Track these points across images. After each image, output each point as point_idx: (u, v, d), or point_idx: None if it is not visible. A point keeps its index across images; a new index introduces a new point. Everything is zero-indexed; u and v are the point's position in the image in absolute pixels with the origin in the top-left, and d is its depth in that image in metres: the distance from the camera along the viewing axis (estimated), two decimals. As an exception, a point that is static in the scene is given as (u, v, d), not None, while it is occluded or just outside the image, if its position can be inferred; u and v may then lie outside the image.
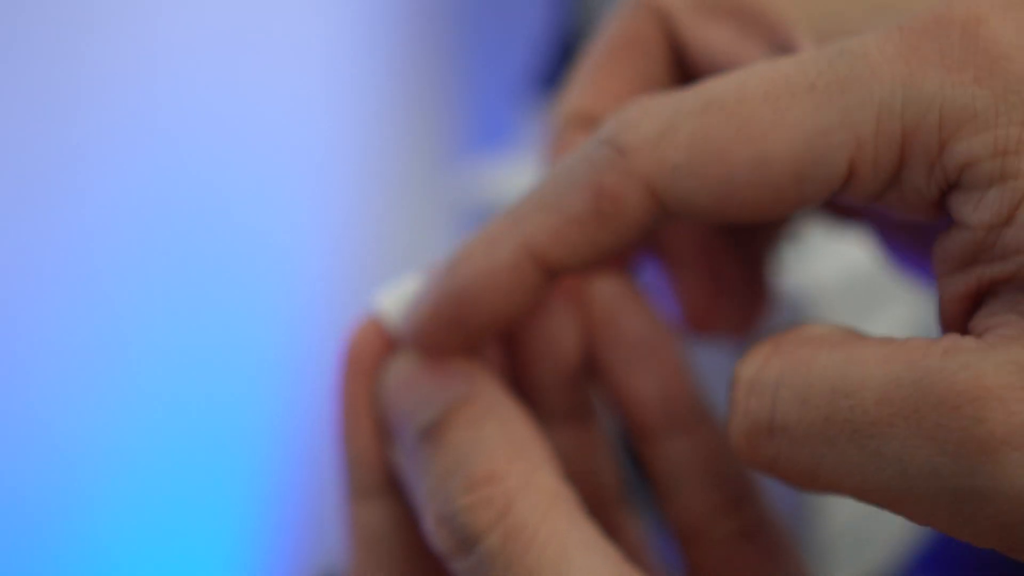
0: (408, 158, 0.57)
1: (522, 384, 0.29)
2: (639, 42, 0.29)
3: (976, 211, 0.22)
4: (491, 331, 0.26)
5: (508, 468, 0.24)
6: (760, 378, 0.23)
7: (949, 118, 0.22)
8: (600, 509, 0.30)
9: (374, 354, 0.28)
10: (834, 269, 0.42)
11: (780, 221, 0.31)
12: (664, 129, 0.23)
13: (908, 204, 0.23)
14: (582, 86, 0.30)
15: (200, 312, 0.49)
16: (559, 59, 0.48)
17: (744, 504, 0.28)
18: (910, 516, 0.22)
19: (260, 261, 0.51)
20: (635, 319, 0.28)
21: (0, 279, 0.42)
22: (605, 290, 0.28)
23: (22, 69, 0.42)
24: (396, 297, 0.28)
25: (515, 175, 0.47)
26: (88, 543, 0.46)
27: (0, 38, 0.41)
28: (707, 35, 0.29)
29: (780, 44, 0.27)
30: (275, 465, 0.52)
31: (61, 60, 0.43)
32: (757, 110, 0.23)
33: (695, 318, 0.30)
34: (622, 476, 0.30)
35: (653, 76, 0.30)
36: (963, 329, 0.23)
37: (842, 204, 0.24)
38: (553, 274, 0.25)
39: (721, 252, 0.30)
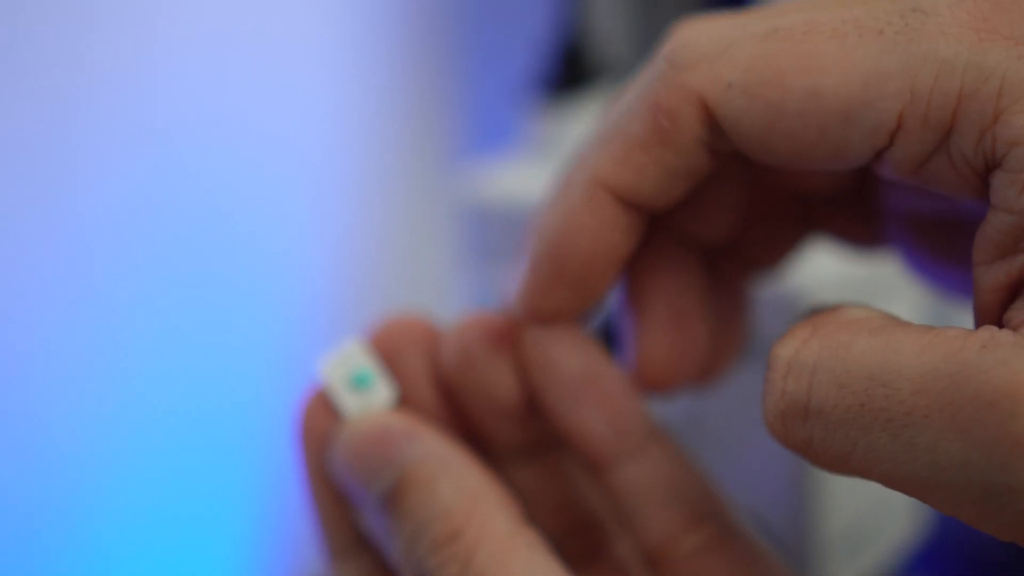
0: (409, 159, 0.57)
1: (472, 431, 0.30)
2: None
3: (1021, 195, 0.22)
4: (598, 278, 0.27)
5: (466, 523, 0.26)
6: (798, 360, 0.23)
7: (1009, 89, 0.22)
8: (581, 535, 0.30)
9: (324, 427, 0.29)
10: (833, 268, 0.42)
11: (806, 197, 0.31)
12: (725, 47, 0.24)
13: (954, 173, 0.23)
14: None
15: (201, 313, 0.49)
16: (560, 61, 0.48)
17: (706, 518, 0.28)
18: (937, 505, 0.22)
19: (261, 262, 0.51)
20: (568, 356, 0.29)
21: (1, 279, 0.43)
22: (537, 330, 0.29)
23: (22, 69, 0.42)
24: (336, 364, 0.29)
25: (516, 176, 0.47)
26: (87, 544, 0.46)
27: (0, 38, 0.41)
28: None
29: None
30: (275, 467, 0.52)
31: (61, 60, 0.43)
32: (821, 44, 0.23)
33: (650, 376, 0.30)
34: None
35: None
36: (998, 320, 0.23)
37: (885, 176, 0.24)
38: (634, 205, 0.26)
39: (690, 309, 0.30)
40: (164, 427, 0.48)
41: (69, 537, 0.45)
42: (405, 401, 0.29)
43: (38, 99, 0.43)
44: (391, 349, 0.29)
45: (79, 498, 0.46)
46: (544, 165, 0.47)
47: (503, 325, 0.29)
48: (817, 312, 0.24)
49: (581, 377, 0.28)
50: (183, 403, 0.49)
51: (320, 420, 0.29)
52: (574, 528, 0.30)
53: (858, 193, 0.30)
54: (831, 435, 0.22)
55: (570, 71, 0.48)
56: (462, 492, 0.27)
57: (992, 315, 0.23)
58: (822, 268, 0.41)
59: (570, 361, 0.29)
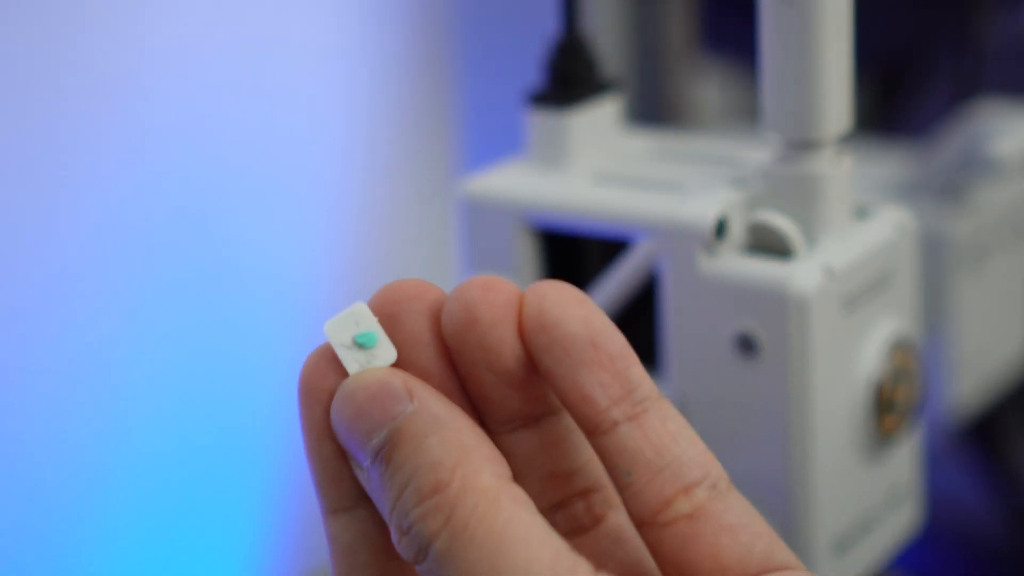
0: (410, 163, 0.57)
1: (471, 395, 0.30)
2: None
3: None
4: None
5: (451, 476, 0.27)
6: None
7: None
8: (577, 503, 0.31)
9: (324, 383, 0.30)
10: (831, 267, 0.42)
11: None
12: None
13: None
14: None
15: (203, 315, 0.49)
16: (560, 65, 0.48)
17: (696, 485, 0.29)
18: None
19: (262, 266, 0.52)
20: (569, 317, 0.29)
21: (3, 282, 0.43)
22: (538, 293, 0.29)
23: (20, 70, 0.42)
24: (340, 323, 0.29)
25: (516, 179, 0.48)
26: (88, 544, 0.46)
27: None
28: None
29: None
30: (276, 467, 0.52)
31: (60, 61, 0.44)
32: None
33: None
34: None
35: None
36: None
37: None
38: None
39: None
40: (166, 428, 0.49)
41: (70, 537, 0.46)
42: (406, 363, 0.30)
43: (36, 101, 0.43)
44: (393, 311, 0.30)
45: (80, 499, 0.46)
46: (544, 168, 0.48)
47: (506, 287, 0.30)
48: None
49: (581, 339, 0.29)
50: (184, 404, 0.49)
51: (321, 376, 0.29)
52: (571, 496, 0.31)
53: None
54: None
55: (570, 75, 0.48)
56: (451, 446, 0.27)
57: None
58: (820, 267, 0.42)
59: (571, 323, 0.29)
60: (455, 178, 0.55)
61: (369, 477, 0.28)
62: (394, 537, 0.28)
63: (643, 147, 0.50)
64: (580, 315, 0.29)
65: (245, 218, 0.50)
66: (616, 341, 0.29)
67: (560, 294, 0.29)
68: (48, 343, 0.44)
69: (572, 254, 0.46)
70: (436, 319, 0.30)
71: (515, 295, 0.29)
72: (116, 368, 0.46)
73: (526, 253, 0.46)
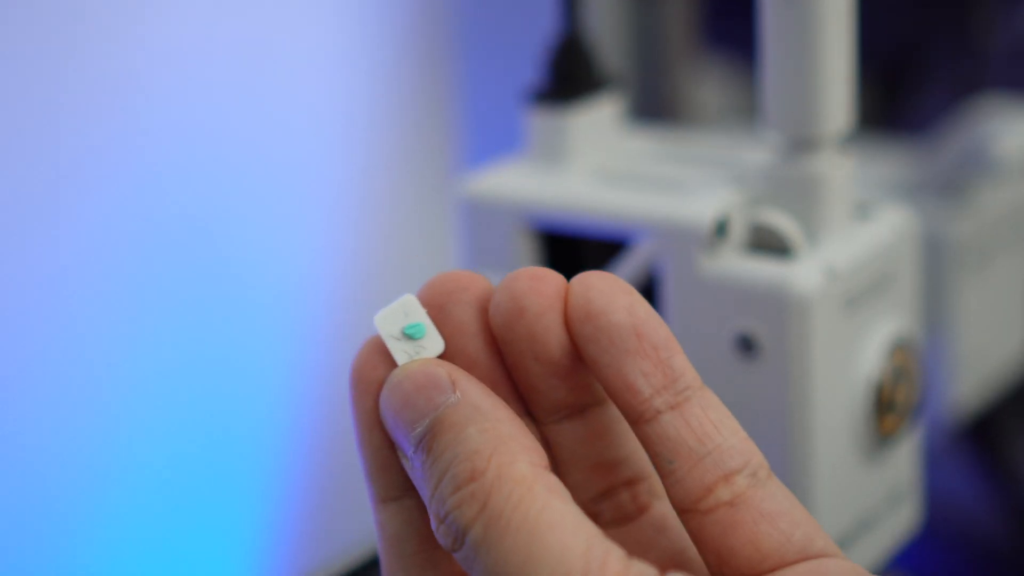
0: (410, 163, 0.57)
1: (518, 385, 0.30)
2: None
3: None
4: None
5: (487, 465, 0.27)
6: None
7: None
8: (621, 492, 0.31)
9: (374, 373, 0.30)
10: (828, 265, 0.42)
11: None
12: None
13: None
14: None
15: (203, 312, 0.49)
16: (560, 65, 0.48)
17: (738, 473, 0.29)
18: None
19: (261, 265, 0.52)
20: (614, 306, 0.29)
21: (2, 282, 0.43)
22: (584, 283, 0.29)
23: (20, 70, 0.42)
24: (390, 314, 0.30)
25: (516, 179, 0.48)
26: (88, 544, 0.46)
27: None
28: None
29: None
30: (279, 468, 0.52)
31: (60, 61, 0.44)
32: None
33: None
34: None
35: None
36: None
37: None
38: None
39: None
40: (165, 429, 0.49)
41: (70, 538, 0.46)
42: (454, 353, 0.30)
43: (39, 100, 0.43)
44: (442, 302, 0.30)
45: (79, 500, 0.46)
46: (544, 167, 0.48)
47: (554, 278, 0.30)
48: None
49: (626, 328, 0.29)
50: (183, 403, 0.49)
51: (372, 367, 0.30)
52: (616, 485, 0.31)
53: None
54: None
55: (570, 74, 0.48)
56: (488, 436, 0.28)
57: None
58: (821, 267, 0.42)
59: (616, 312, 0.29)
60: (455, 178, 0.55)
61: (413, 466, 0.29)
62: (433, 525, 0.28)
63: (643, 146, 0.50)
64: (625, 304, 0.29)
65: (244, 217, 0.50)
66: (660, 331, 0.29)
67: (606, 284, 0.29)
68: (47, 343, 0.44)
69: (572, 254, 0.46)
70: (484, 310, 0.30)
71: (562, 285, 0.30)
72: (115, 368, 0.46)
73: (526, 253, 0.46)
